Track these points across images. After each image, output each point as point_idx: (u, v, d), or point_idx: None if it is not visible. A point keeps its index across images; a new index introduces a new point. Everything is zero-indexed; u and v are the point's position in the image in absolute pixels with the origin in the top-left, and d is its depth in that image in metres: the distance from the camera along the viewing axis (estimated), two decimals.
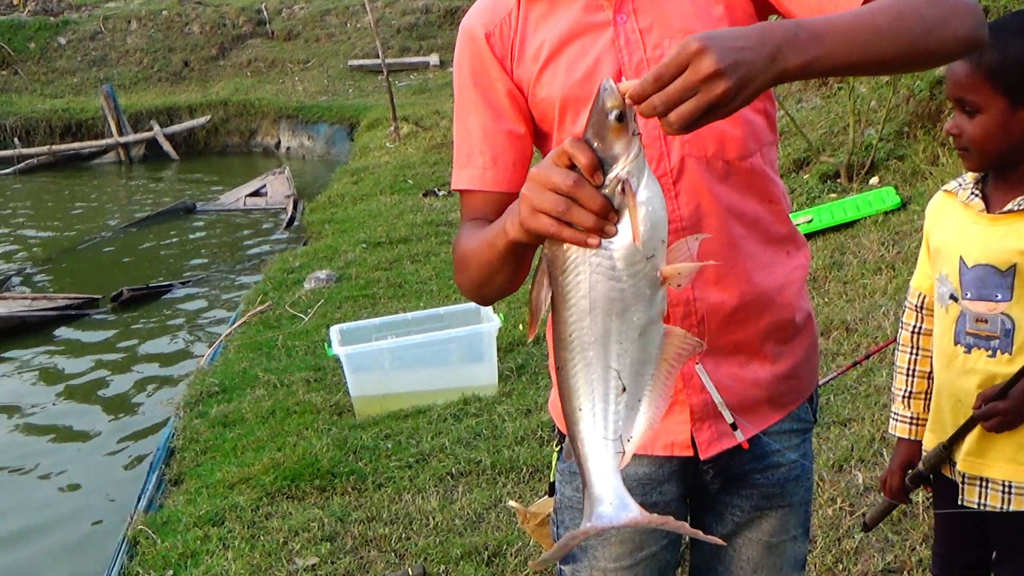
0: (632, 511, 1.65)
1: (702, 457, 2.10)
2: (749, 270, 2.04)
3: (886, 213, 7.83)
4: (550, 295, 1.61)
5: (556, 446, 2.31)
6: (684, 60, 1.49)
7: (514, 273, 1.90)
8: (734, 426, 2.08)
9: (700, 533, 1.73)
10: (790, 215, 2.16)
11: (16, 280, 12.02)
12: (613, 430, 1.63)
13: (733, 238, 2.02)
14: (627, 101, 1.51)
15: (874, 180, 8.57)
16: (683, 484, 2.16)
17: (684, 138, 1.96)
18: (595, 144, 1.52)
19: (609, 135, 1.52)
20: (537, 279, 1.62)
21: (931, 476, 2.97)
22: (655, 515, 1.66)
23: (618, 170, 1.51)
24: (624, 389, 1.61)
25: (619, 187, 1.51)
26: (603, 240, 1.54)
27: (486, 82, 2.06)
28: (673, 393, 2.05)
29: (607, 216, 1.52)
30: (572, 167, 1.53)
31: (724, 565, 2.28)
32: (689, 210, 1.98)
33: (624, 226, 1.53)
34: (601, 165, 1.52)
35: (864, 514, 3.63)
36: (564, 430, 2.10)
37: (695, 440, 2.10)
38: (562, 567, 2.29)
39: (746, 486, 2.18)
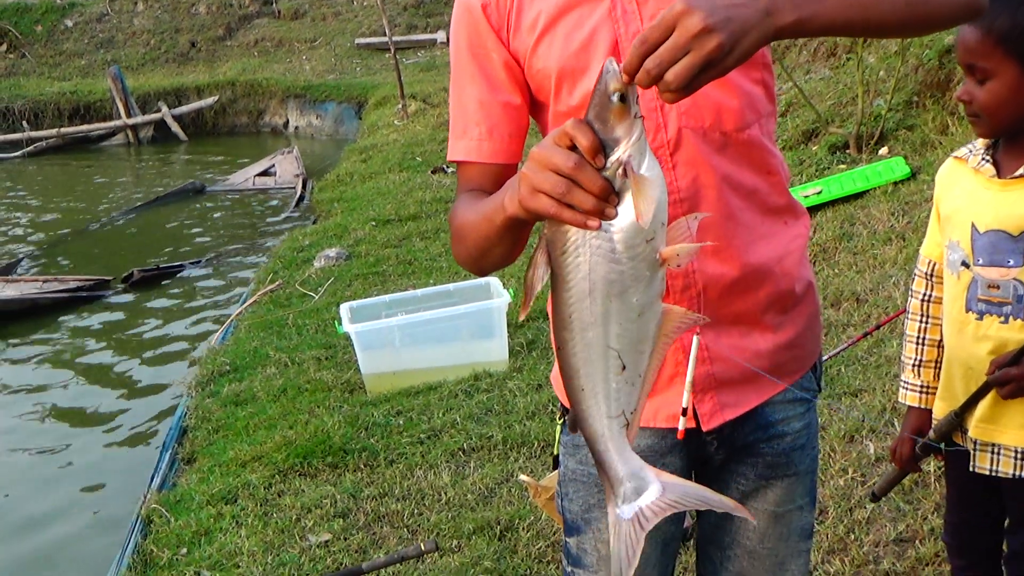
0: (654, 485, 1.70)
1: (704, 429, 2.10)
2: (747, 241, 2.04)
3: (896, 183, 7.80)
4: (546, 276, 1.61)
5: (559, 419, 2.30)
6: (671, 21, 1.49)
7: (512, 247, 1.89)
8: (691, 411, 2.07)
9: (727, 500, 1.74)
10: (788, 186, 2.15)
11: (27, 263, 12.03)
12: (615, 407, 1.65)
13: (731, 210, 2.01)
14: (627, 81, 1.50)
15: (883, 150, 8.54)
16: (687, 456, 2.15)
17: (681, 110, 1.95)
18: (597, 126, 1.51)
19: (611, 117, 1.51)
20: (534, 259, 1.61)
21: (941, 445, 2.97)
22: (681, 481, 1.69)
23: (620, 153, 1.50)
24: (624, 368, 1.62)
25: (620, 170, 1.50)
26: (603, 222, 1.53)
27: (482, 53, 2.04)
28: (671, 364, 2.07)
29: (608, 199, 1.51)
30: (573, 148, 1.52)
31: (731, 536, 2.28)
32: (687, 182, 1.98)
33: (624, 209, 1.52)
34: (603, 147, 1.51)
35: (874, 484, 3.63)
36: (567, 404, 2.11)
37: (697, 412, 2.09)
38: (567, 539, 2.29)
39: (751, 455, 2.18)
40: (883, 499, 3.83)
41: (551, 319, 1.67)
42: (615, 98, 1.49)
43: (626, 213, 1.52)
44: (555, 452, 2.34)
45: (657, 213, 1.51)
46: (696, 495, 1.76)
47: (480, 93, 2.05)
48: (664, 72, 1.48)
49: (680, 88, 1.49)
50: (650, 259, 1.55)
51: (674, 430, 2.09)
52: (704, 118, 1.97)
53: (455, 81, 2.10)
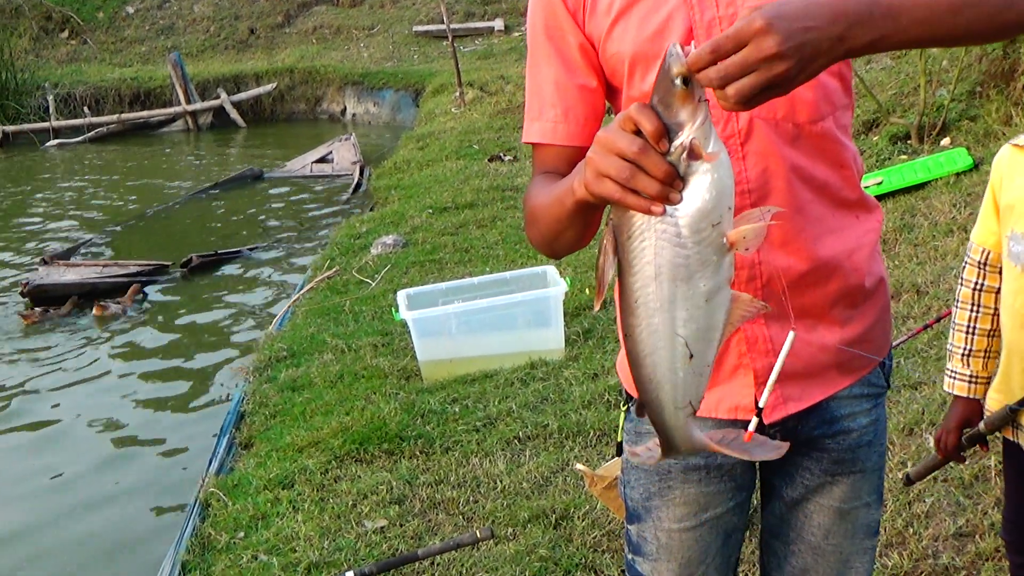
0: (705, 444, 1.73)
1: (766, 421, 2.07)
2: (816, 235, 2.01)
3: (958, 174, 7.72)
4: (616, 262, 1.60)
5: (624, 407, 2.30)
6: (746, 36, 1.48)
7: (583, 230, 1.88)
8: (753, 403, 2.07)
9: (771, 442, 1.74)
10: (861, 180, 2.12)
11: (87, 248, 12.15)
12: (683, 397, 1.64)
13: (801, 202, 1.99)
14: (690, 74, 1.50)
15: (945, 141, 8.45)
16: None
17: None
18: (661, 110, 1.50)
19: (675, 101, 1.49)
20: (602, 247, 1.61)
21: (986, 437, 2.93)
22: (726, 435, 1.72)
23: (684, 137, 1.49)
24: (692, 356, 1.61)
25: (684, 154, 1.49)
26: (668, 207, 1.52)
27: (559, 35, 2.04)
28: (735, 355, 2.06)
29: (672, 183, 1.50)
30: (638, 133, 1.51)
31: (795, 531, 2.26)
32: (756, 172, 1.96)
33: (689, 193, 1.51)
34: (667, 131, 1.50)
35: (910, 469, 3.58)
36: (631, 392, 2.10)
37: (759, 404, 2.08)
38: (628, 527, 2.29)
39: (816, 450, 2.16)
40: (943, 494, 3.80)
41: (618, 306, 1.67)
42: (679, 82, 1.48)
43: (691, 198, 1.51)
44: (619, 439, 2.34)
45: (720, 198, 1.50)
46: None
47: (556, 75, 2.05)
48: (726, 85, 1.48)
49: (738, 104, 1.49)
50: (716, 243, 1.54)
51: (735, 421, 2.08)
52: (777, 109, 1.94)
53: (532, 63, 2.10)
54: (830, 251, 2.03)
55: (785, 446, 1.77)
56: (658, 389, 1.65)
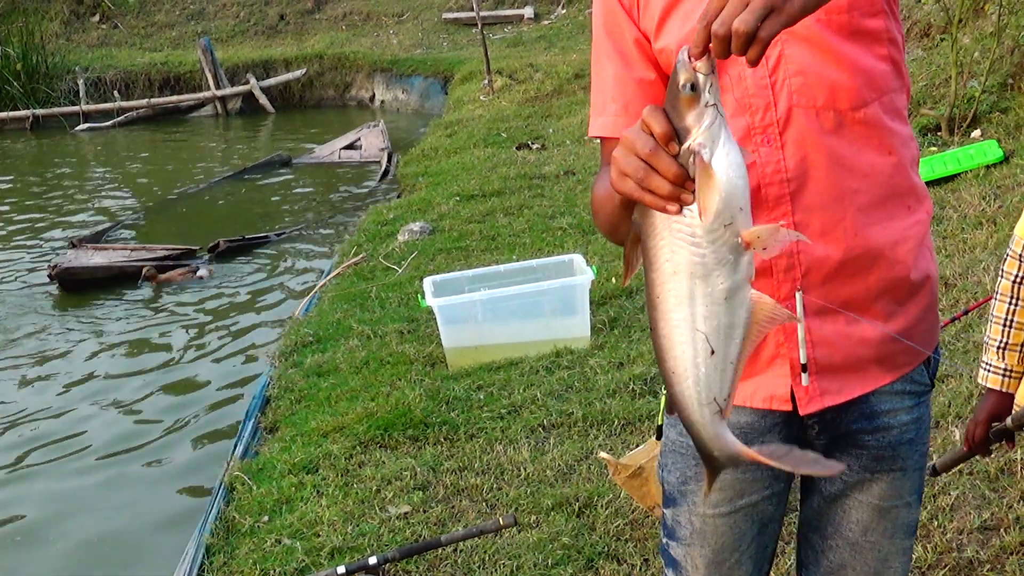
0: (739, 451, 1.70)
1: (802, 413, 2.08)
2: (859, 224, 2.00)
3: (988, 167, 7.68)
4: (641, 256, 1.64)
5: (664, 390, 2.31)
6: None
7: None
8: (804, 367, 2.05)
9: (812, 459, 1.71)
10: (916, 165, 2.11)
11: (115, 231, 12.20)
12: (707, 394, 1.66)
13: (842, 191, 1.99)
14: (698, 56, 1.52)
15: (976, 133, 8.41)
16: (786, 437, 2.13)
17: (792, 88, 1.95)
18: (672, 114, 1.54)
19: (682, 107, 1.53)
20: (631, 237, 1.64)
21: (1013, 433, 2.92)
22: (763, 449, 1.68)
23: (690, 141, 1.52)
24: (712, 352, 1.62)
25: (692, 158, 1.52)
26: (685, 207, 1.55)
27: (617, 31, 2.09)
28: (772, 346, 2.05)
29: (683, 184, 1.53)
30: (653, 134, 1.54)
31: (834, 526, 2.26)
32: (795, 161, 1.96)
33: (700, 194, 1.54)
34: (676, 134, 1.53)
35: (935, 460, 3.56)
36: None
37: (795, 395, 2.08)
38: (664, 511, 2.29)
39: (855, 446, 2.14)
40: (968, 487, 3.78)
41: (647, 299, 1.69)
42: (686, 88, 1.52)
43: (701, 198, 1.54)
44: (659, 422, 2.35)
45: (729, 199, 1.52)
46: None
47: (616, 71, 2.10)
48: (730, 31, 1.48)
49: (748, 34, 1.47)
50: (731, 243, 1.56)
51: (773, 412, 2.09)
52: (817, 97, 1.95)
53: (595, 60, 2.15)
54: (872, 242, 2.02)
55: (840, 466, 1.74)
56: (681, 383, 1.67)
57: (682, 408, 1.69)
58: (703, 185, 1.51)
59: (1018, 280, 2.91)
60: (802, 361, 2.03)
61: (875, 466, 2.16)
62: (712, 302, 1.59)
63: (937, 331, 2.22)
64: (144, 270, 9.87)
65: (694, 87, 1.51)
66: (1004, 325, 2.95)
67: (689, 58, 1.52)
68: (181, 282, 9.87)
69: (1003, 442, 3.02)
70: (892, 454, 2.15)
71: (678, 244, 1.57)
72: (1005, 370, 2.95)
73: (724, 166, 1.52)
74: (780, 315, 1.64)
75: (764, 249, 1.56)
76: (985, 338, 3.01)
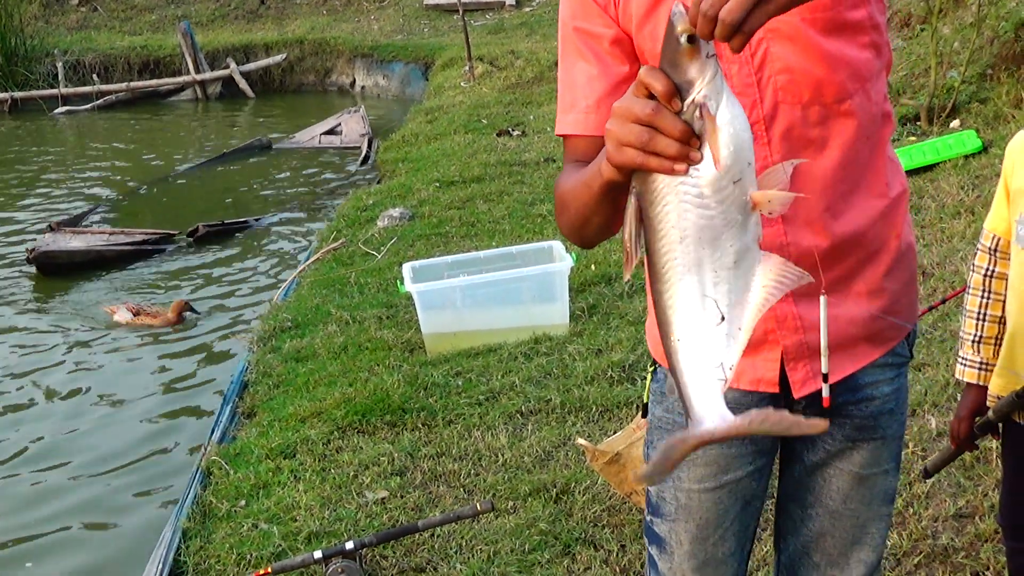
0: (732, 422, 1.58)
1: (796, 396, 2.11)
2: (843, 211, 2.04)
3: (966, 157, 7.72)
4: (642, 232, 1.59)
5: (650, 368, 2.31)
6: None
7: (611, 215, 1.86)
8: (826, 378, 2.07)
9: (801, 421, 1.61)
10: (890, 137, 2.14)
11: (94, 215, 12.15)
12: (713, 360, 1.58)
13: (827, 181, 2.01)
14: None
15: (955, 123, 8.44)
16: None
17: (778, 85, 1.96)
18: (670, 70, 1.50)
19: (683, 60, 1.48)
20: (626, 217, 1.59)
21: (999, 425, 2.93)
22: (752, 416, 1.57)
23: (695, 94, 1.48)
24: (723, 318, 1.57)
25: (697, 112, 1.49)
26: (690, 167, 1.51)
27: (587, 28, 2.06)
28: (760, 331, 2.06)
29: (689, 141, 1.49)
30: (651, 97, 1.51)
31: (814, 495, 2.29)
32: (781, 156, 1.97)
33: (707, 151, 1.50)
34: (678, 91, 1.49)
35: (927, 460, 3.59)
36: (658, 358, 2.13)
37: (788, 379, 2.11)
38: (649, 488, 2.31)
39: (839, 416, 2.17)
40: (943, 474, 3.79)
41: (647, 275, 1.65)
42: (683, 39, 1.47)
43: (709, 155, 1.50)
44: (644, 399, 2.34)
45: (738, 153, 1.49)
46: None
47: (587, 68, 2.07)
48: (719, 13, 1.44)
49: (734, 24, 1.43)
50: (740, 202, 1.52)
51: (756, 393, 2.12)
52: (802, 93, 1.96)
53: (563, 56, 2.11)
54: (856, 225, 2.05)
55: (825, 423, 1.68)
56: (686, 352, 1.60)
57: (681, 378, 1.61)
58: (713, 138, 1.48)
59: (989, 274, 2.92)
60: (823, 357, 2.04)
61: (856, 435, 2.20)
62: (721, 266, 1.55)
63: (917, 303, 2.26)
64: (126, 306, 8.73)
65: (693, 39, 1.47)
66: (977, 319, 2.96)
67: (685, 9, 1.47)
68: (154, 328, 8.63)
69: (988, 435, 3.04)
70: (873, 424, 2.20)
71: (685, 207, 1.52)
72: (981, 363, 2.96)
73: (730, 118, 1.48)
74: (791, 275, 1.56)
75: (771, 212, 1.53)
76: (961, 333, 3.03)
